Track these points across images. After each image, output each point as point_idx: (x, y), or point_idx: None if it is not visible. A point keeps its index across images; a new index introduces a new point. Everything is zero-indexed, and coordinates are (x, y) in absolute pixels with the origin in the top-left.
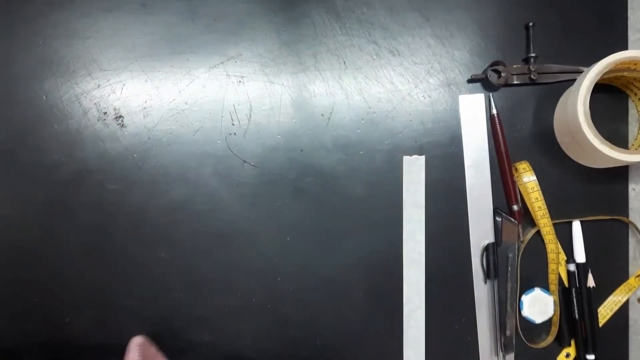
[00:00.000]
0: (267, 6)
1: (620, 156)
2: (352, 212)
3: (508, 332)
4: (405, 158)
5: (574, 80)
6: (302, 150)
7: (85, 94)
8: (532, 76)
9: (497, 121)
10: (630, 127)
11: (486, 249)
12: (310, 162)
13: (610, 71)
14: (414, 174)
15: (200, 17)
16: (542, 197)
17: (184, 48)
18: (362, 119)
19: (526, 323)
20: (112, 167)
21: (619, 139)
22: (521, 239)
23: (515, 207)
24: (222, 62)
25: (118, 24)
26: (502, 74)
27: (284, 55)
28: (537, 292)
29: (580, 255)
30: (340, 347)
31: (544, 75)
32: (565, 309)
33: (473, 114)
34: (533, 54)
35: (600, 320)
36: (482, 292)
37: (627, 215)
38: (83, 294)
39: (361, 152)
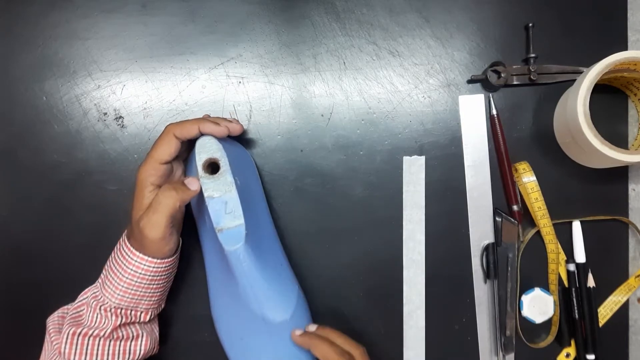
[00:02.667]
0: (267, 7)
1: (620, 156)
2: (352, 212)
3: (508, 332)
4: (405, 158)
5: (574, 80)
6: (302, 151)
7: (85, 95)
8: (531, 77)
9: (497, 121)
10: (630, 128)
11: (486, 249)
12: (310, 163)
13: (610, 71)
14: (414, 174)
15: (200, 18)
16: (542, 197)
17: (184, 49)
18: (362, 120)
19: (526, 323)
20: (112, 167)
21: (619, 139)
22: (521, 239)
23: (515, 207)
24: (222, 63)
25: (118, 25)
26: (502, 75)
27: (284, 56)
28: (537, 292)
29: (580, 255)
30: None
31: (544, 75)
32: (565, 309)
33: (473, 114)
34: (533, 55)
35: (600, 320)
36: (482, 292)
37: (627, 215)
38: None
39: (361, 153)
